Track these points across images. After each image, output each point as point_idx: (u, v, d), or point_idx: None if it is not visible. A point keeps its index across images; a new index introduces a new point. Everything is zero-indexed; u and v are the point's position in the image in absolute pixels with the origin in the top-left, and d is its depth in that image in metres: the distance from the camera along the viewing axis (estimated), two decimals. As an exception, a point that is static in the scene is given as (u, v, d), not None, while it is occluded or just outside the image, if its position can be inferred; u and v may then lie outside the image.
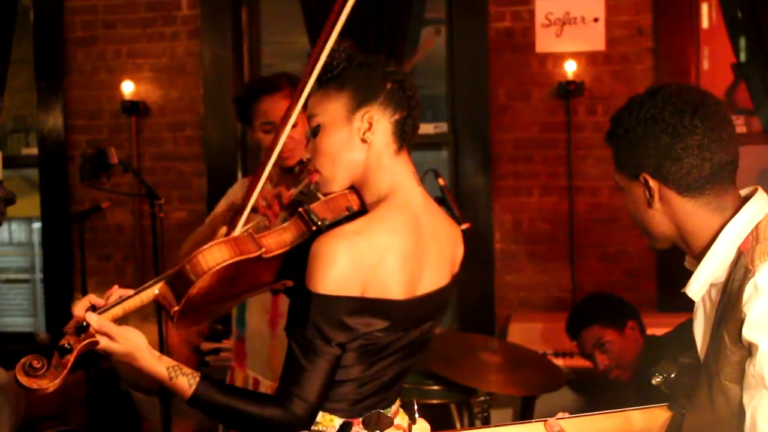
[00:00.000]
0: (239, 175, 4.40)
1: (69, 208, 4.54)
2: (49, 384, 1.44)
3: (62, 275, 4.57)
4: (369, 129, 1.63)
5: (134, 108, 4.43)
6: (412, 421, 1.23)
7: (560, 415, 1.53)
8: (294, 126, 2.49)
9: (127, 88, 4.45)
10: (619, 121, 1.55)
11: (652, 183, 1.51)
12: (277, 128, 1.69)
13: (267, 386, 2.54)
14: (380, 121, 1.63)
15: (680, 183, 1.50)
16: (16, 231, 5.39)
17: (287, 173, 2.53)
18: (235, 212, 1.68)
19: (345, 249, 1.52)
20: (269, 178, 2.63)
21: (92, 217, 3.94)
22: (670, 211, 1.51)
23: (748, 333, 1.37)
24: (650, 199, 1.52)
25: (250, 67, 4.54)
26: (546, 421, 1.49)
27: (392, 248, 1.56)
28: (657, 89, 1.54)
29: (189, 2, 4.44)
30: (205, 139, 4.45)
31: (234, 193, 2.76)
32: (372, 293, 1.55)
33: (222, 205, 2.80)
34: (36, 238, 5.19)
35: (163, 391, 3.37)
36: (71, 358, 1.47)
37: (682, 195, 1.50)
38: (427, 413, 3.24)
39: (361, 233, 1.55)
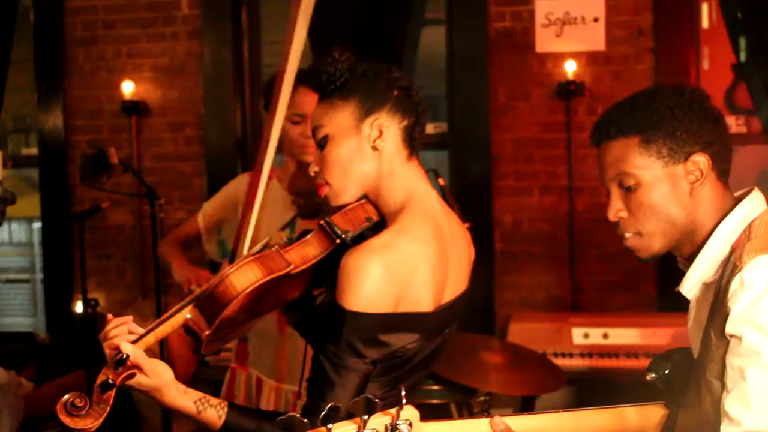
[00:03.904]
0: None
1: (69, 208, 4.54)
2: (93, 423, 1.39)
3: (62, 275, 4.57)
4: (380, 136, 1.60)
5: (134, 108, 4.43)
6: (399, 406, 1.23)
7: (496, 415, 1.49)
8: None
9: (127, 88, 4.45)
10: (650, 105, 1.48)
11: (705, 162, 1.47)
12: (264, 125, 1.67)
13: (271, 386, 2.55)
14: (390, 128, 1.61)
15: (721, 166, 1.49)
16: (16, 231, 5.39)
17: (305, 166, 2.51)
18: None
19: (377, 264, 1.48)
20: (279, 177, 2.64)
21: (92, 217, 3.92)
22: (697, 200, 1.48)
23: (730, 327, 1.37)
24: (696, 182, 1.47)
25: (250, 67, 4.54)
26: (492, 417, 1.46)
27: (423, 259, 1.54)
28: (658, 87, 1.54)
29: (189, 2, 4.44)
30: (205, 139, 4.44)
31: (230, 189, 2.76)
32: (404, 307, 1.52)
33: (216, 202, 2.79)
34: (36, 238, 5.19)
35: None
36: (113, 394, 1.42)
37: (718, 179, 1.49)
38: (427, 413, 3.24)
39: (392, 246, 1.51)
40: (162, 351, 3.31)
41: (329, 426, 1.15)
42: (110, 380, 1.42)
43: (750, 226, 1.45)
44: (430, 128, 4.41)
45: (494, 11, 4.19)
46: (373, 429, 1.20)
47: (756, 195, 1.51)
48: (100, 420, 1.39)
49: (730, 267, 1.42)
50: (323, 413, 1.13)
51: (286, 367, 2.55)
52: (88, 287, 3.99)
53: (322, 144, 1.63)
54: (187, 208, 4.39)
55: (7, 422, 2.94)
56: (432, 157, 4.43)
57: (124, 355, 1.43)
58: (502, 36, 4.20)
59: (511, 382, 3.12)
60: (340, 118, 1.61)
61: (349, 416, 1.39)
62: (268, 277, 1.51)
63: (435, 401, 3.22)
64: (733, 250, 1.44)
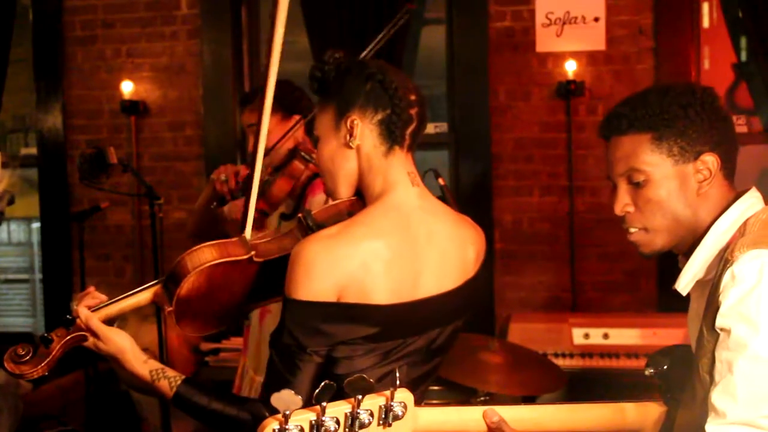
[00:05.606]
0: (239, 174, 4.40)
1: (68, 208, 4.53)
2: (31, 370, 1.52)
3: (62, 275, 4.56)
4: (351, 134, 1.60)
5: (134, 108, 4.43)
6: (394, 387, 1.22)
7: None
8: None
9: (127, 87, 4.44)
10: (663, 103, 1.48)
11: (714, 162, 1.47)
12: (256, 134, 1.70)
13: (252, 377, 2.57)
14: (362, 125, 1.61)
15: (728, 166, 1.49)
16: (16, 231, 5.38)
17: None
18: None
19: (317, 253, 1.49)
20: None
21: (92, 217, 3.93)
22: (703, 198, 1.48)
23: (720, 320, 1.36)
24: (705, 182, 1.47)
25: (250, 67, 4.53)
26: (485, 408, 1.45)
27: (374, 252, 1.52)
28: (669, 85, 1.53)
29: (189, 2, 4.44)
30: (204, 139, 4.44)
31: None
32: (350, 298, 1.50)
33: None
34: (35, 238, 5.18)
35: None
36: (55, 347, 1.55)
37: (725, 178, 1.50)
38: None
39: (337, 237, 1.52)
40: (161, 350, 3.31)
41: (323, 404, 1.13)
42: (54, 337, 1.56)
43: (745, 223, 1.46)
44: (430, 128, 4.41)
45: (494, 11, 4.19)
46: (368, 409, 1.19)
47: (753, 193, 1.51)
48: (39, 369, 1.54)
49: (723, 263, 1.42)
50: (318, 390, 1.12)
51: (263, 361, 2.56)
52: (87, 287, 4.00)
53: (316, 144, 1.69)
54: (187, 207, 4.38)
55: (7, 422, 2.94)
56: (432, 157, 4.42)
57: (71, 318, 1.58)
58: (502, 36, 4.19)
59: (511, 382, 3.11)
60: (324, 120, 1.65)
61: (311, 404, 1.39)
62: (221, 260, 1.57)
63: (435, 401, 3.21)
64: (728, 247, 1.44)
